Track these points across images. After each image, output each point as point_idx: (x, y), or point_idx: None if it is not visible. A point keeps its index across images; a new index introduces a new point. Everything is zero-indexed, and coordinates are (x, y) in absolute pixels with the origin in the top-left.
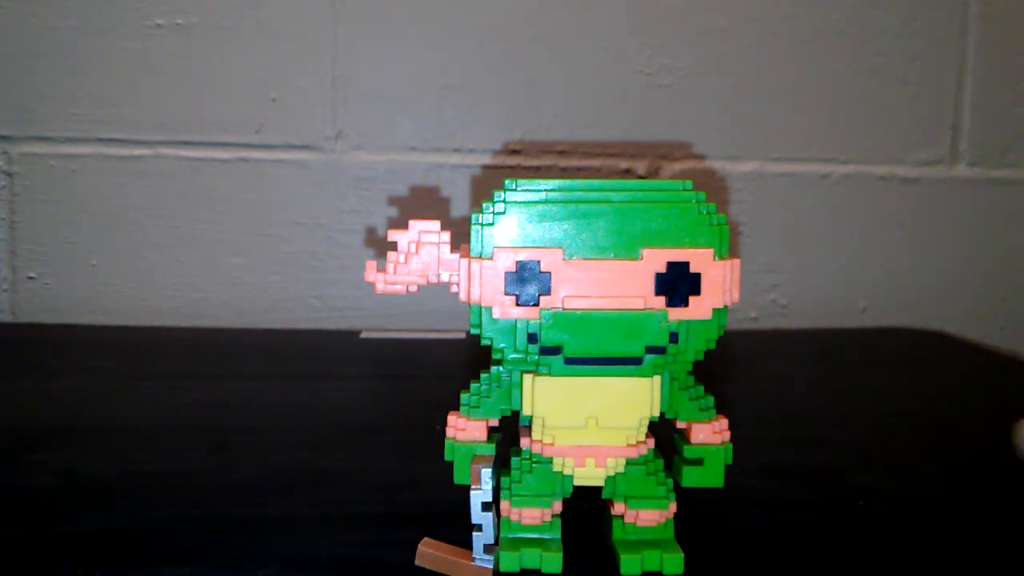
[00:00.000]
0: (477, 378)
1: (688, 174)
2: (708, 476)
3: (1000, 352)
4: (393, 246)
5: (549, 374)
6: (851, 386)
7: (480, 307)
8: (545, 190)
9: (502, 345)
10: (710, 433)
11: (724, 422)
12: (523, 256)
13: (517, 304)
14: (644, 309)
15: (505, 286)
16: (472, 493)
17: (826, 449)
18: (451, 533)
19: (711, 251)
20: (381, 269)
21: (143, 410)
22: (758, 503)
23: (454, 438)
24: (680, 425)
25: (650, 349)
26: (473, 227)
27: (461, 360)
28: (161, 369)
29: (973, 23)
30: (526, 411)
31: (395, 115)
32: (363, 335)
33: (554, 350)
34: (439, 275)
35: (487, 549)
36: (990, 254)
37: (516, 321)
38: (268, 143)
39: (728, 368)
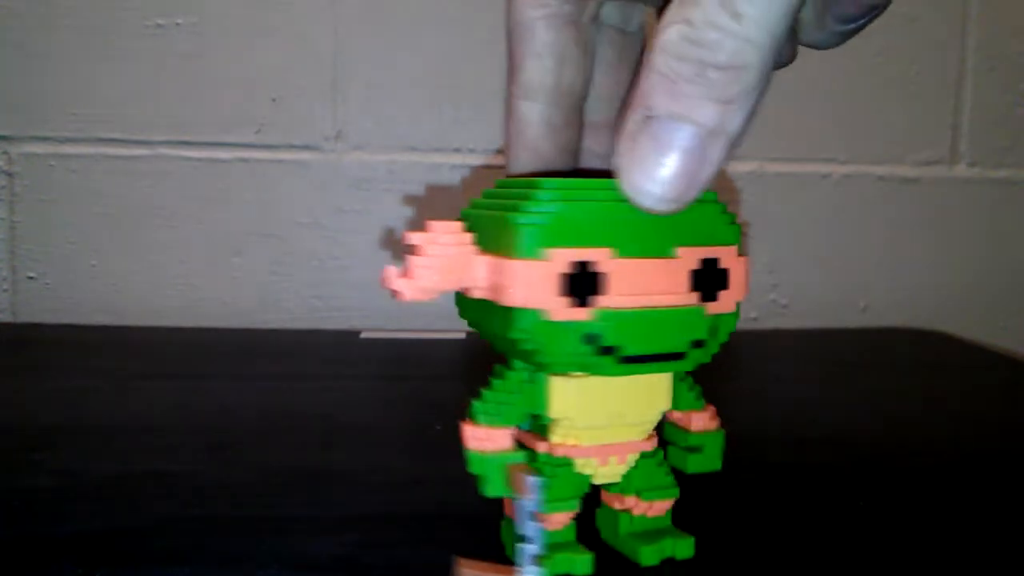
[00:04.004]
0: (486, 384)
1: None
2: (709, 461)
3: (1000, 352)
4: (397, 251)
5: (603, 374)
6: (851, 386)
7: (526, 311)
8: (590, 188)
9: (552, 349)
10: (707, 420)
11: (713, 409)
12: (578, 256)
13: (573, 306)
14: (686, 305)
15: (560, 288)
16: (520, 503)
17: (826, 449)
18: (452, 533)
19: (735, 248)
20: (404, 274)
21: (143, 410)
22: (758, 503)
23: (480, 450)
24: (673, 415)
25: (694, 343)
26: (521, 227)
27: (461, 360)
28: (161, 369)
29: (973, 23)
30: (555, 414)
31: (395, 115)
32: (363, 335)
33: (609, 350)
34: (471, 278)
35: (535, 560)
36: (990, 254)
37: (570, 323)
38: (268, 143)
39: (728, 368)
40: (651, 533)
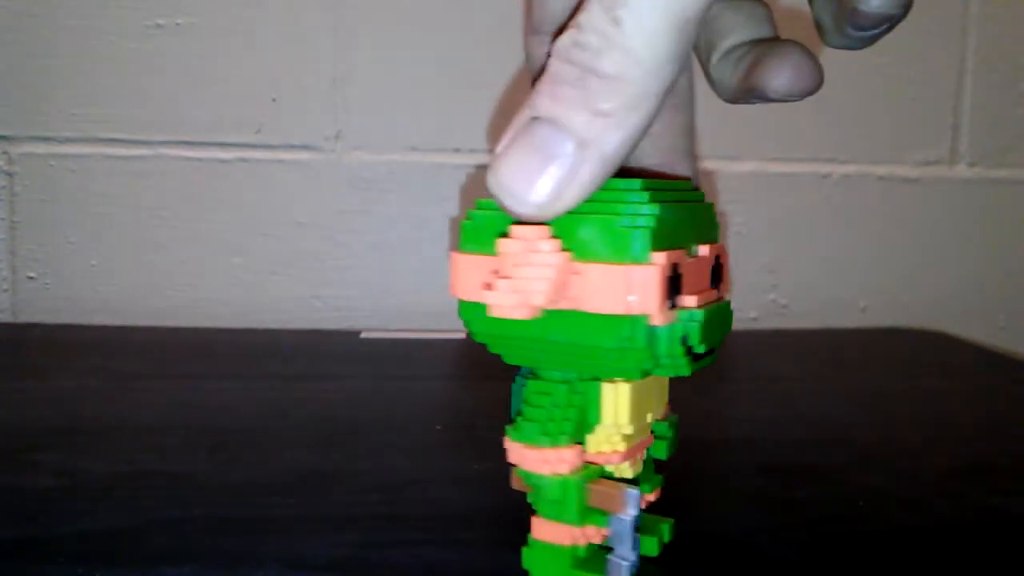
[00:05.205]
0: (511, 396)
1: None
2: (672, 446)
3: (1000, 352)
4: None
5: (678, 375)
6: (851, 386)
7: (631, 318)
8: (662, 188)
9: (655, 354)
10: (667, 408)
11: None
12: (673, 259)
13: (670, 309)
14: (720, 300)
15: (665, 291)
16: (617, 519)
17: (826, 449)
18: (453, 534)
19: (722, 244)
20: (509, 289)
21: (143, 410)
22: (758, 503)
23: (558, 472)
24: None
25: (723, 336)
26: (632, 231)
27: (461, 360)
28: (161, 369)
29: (973, 23)
30: (608, 421)
31: (395, 115)
32: (363, 335)
33: (689, 350)
34: (569, 289)
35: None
36: (990, 254)
37: (670, 327)
38: (268, 143)
39: (728, 368)
40: (643, 525)
